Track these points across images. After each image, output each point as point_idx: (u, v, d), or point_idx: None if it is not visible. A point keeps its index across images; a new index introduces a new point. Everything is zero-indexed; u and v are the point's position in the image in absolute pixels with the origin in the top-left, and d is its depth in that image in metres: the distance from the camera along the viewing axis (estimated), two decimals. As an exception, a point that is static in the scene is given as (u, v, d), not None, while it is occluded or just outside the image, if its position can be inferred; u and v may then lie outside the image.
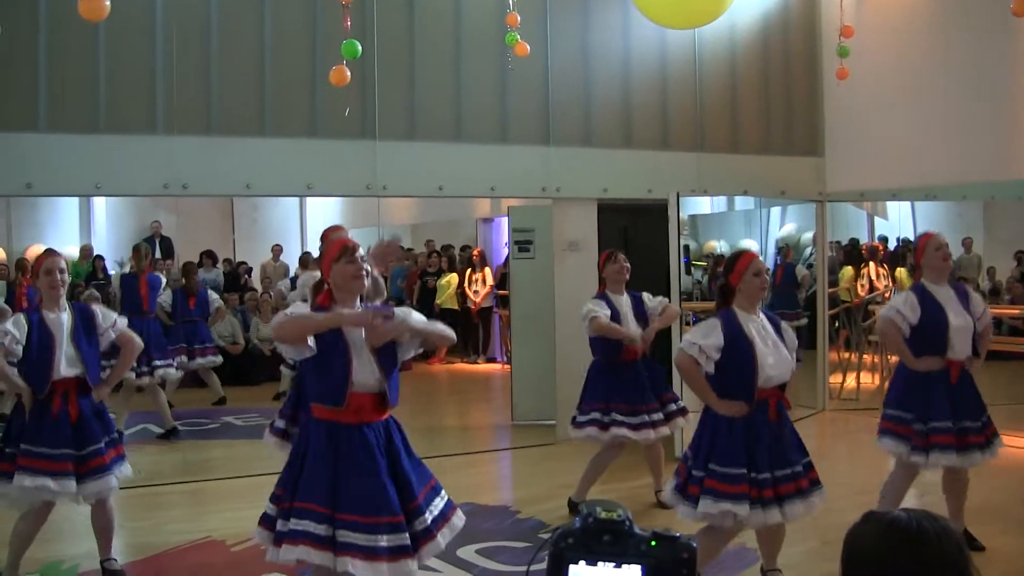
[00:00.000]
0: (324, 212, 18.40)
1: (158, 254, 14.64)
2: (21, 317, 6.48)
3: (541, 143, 11.48)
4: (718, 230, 16.18)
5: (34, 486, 6.27)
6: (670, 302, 8.89)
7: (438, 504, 5.19)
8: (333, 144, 10.55)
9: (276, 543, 5.00)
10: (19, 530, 6.60)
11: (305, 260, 14.33)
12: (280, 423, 7.08)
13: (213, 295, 13.16)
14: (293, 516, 4.92)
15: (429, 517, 5.05)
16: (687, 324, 10.88)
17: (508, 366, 14.21)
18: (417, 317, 5.14)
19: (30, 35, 9.70)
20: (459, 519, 5.30)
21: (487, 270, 18.49)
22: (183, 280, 13.20)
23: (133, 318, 11.36)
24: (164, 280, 12.61)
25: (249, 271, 18.46)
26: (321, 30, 10.49)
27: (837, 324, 15.53)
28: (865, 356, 14.63)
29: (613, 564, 2.20)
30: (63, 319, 6.54)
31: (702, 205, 15.50)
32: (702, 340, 5.93)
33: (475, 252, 18.76)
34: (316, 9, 10.56)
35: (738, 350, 5.90)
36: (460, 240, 20.21)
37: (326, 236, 7.10)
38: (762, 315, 6.14)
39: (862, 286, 17.00)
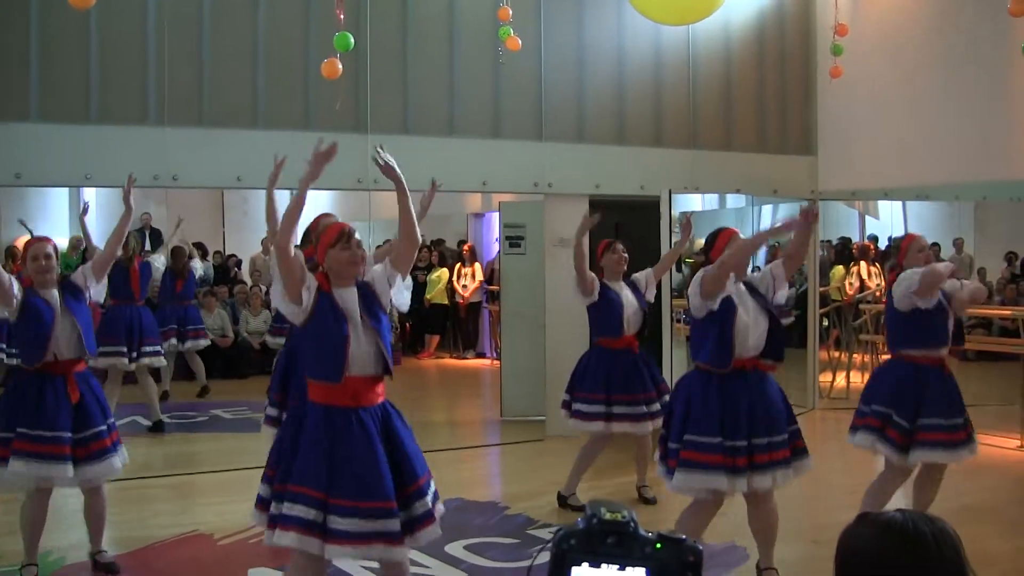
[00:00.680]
0: (315, 205, 18.30)
1: (148, 246, 14.55)
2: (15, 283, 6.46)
3: (534, 138, 11.45)
4: (710, 228, 16.11)
5: (28, 471, 6.22)
6: (657, 287, 8.87)
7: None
8: (325, 137, 10.47)
9: (271, 526, 4.97)
10: (27, 516, 6.57)
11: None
12: (272, 411, 7.07)
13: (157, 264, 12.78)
14: (287, 500, 4.89)
15: (430, 500, 5.04)
16: (678, 322, 10.88)
17: (498, 362, 14.19)
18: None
19: (21, 24, 9.64)
20: (440, 510, 5.27)
21: (476, 265, 18.46)
22: (171, 263, 13.19)
23: (122, 305, 11.39)
24: (160, 268, 12.51)
25: (239, 264, 18.39)
26: (314, 22, 10.44)
27: (827, 323, 15.55)
28: (855, 355, 14.62)
29: (617, 567, 2.16)
30: (55, 295, 6.52)
31: (693, 202, 15.48)
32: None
33: (465, 247, 18.72)
34: (309, 1, 10.52)
35: (725, 317, 5.95)
36: (451, 235, 20.17)
37: (316, 224, 7.05)
38: (741, 285, 6.16)
39: (851, 285, 17.01)
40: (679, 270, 11.02)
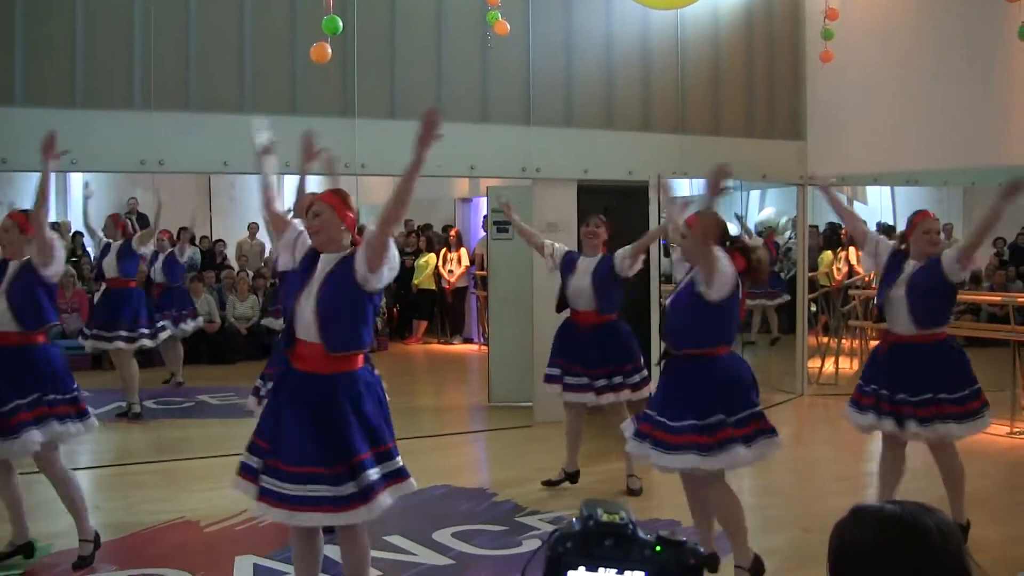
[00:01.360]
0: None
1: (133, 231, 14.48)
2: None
3: (521, 123, 11.40)
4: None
5: None
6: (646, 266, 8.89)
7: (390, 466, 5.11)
8: (312, 122, 10.41)
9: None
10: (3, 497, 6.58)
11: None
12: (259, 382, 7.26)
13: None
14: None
15: (370, 478, 4.96)
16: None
17: (485, 347, 14.15)
18: None
19: (6, 7, 9.55)
20: (409, 487, 5.18)
21: (463, 250, 18.42)
22: (171, 248, 13.18)
23: (109, 286, 11.37)
24: (152, 249, 12.39)
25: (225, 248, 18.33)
26: (301, 5, 10.36)
27: (815, 309, 15.54)
28: (844, 341, 14.61)
29: (615, 570, 2.11)
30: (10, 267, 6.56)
31: (681, 187, 15.46)
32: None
33: (451, 232, 18.68)
34: (296, -16, 10.46)
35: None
36: (438, 220, 20.11)
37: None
38: None
39: (839, 270, 17.04)
40: (667, 255, 10.98)
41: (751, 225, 16.07)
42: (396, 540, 6.94)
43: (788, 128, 12.95)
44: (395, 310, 18.59)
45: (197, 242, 17.33)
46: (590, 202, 11.47)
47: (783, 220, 17.28)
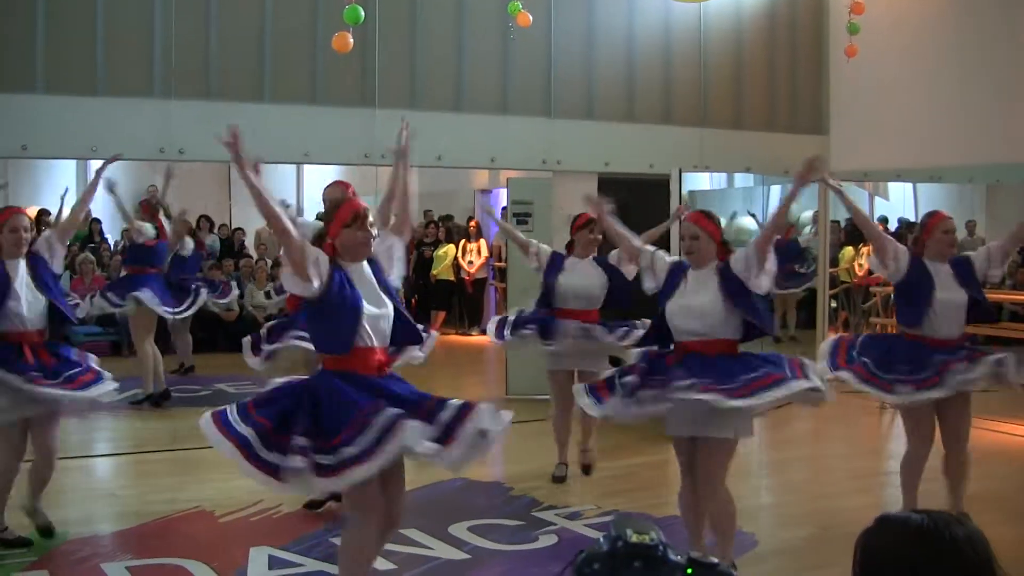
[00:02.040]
0: (322, 179, 18.21)
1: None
2: None
3: (542, 115, 11.37)
4: (717, 207, 16.01)
5: None
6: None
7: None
8: (332, 111, 10.43)
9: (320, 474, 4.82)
10: None
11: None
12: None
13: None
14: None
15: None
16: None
17: (503, 339, 14.09)
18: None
19: (28, -4, 9.58)
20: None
21: (482, 241, 18.37)
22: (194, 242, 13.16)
23: (138, 275, 11.26)
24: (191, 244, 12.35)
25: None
26: (323, -5, 10.36)
27: (836, 305, 15.45)
28: (864, 337, 14.48)
29: (644, 593, 2.05)
30: (20, 265, 6.54)
31: (701, 181, 15.39)
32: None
33: (471, 223, 18.65)
34: (318, -27, 10.44)
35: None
36: (458, 211, 20.08)
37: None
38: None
39: (860, 266, 16.91)
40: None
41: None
42: (412, 534, 6.91)
43: (810, 122, 12.89)
44: (413, 301, 18.57)
45: (216, 230, 17.34)
46: (606, 195, 11.40)
47: (804, 215, 17.19)
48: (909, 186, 17.75)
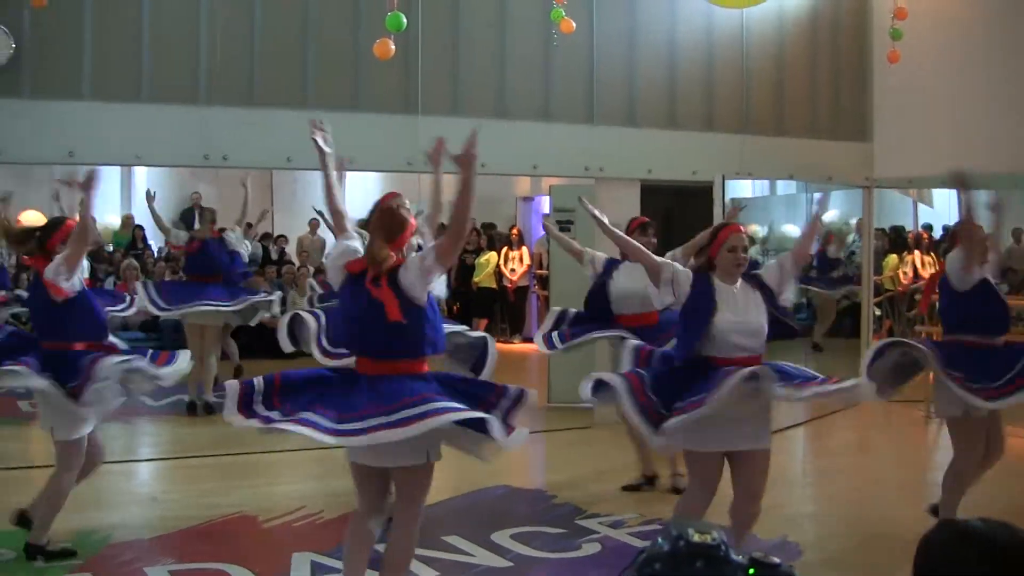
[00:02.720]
0: (364, 187, 18.26)
1: (196, 225, 14.58)
2: None
3: (585, 122, 11.34)
4: (761, 215, 15.97)
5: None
6: None
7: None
8: (375, 118, 10.45)
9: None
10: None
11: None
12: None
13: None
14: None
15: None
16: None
17: (545, 346, 14.05)
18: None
19: (75, 4, 9.65)
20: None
21: (524, 249, 18.35)
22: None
23: (195, 283, 11.22)
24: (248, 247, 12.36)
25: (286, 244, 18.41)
26: (365, 2, 10.38)
27: (880, 313, 15.32)
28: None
29: (706, 594, 2.02)
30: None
31: (743, 189, 15.32)
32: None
33: (513, 231, 18.63)
34: (361, -19, 10.48)
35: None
36: (500, 219, 20.07)
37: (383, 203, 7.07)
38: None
39: (905, 274, 16.76)
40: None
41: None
42: (454, 540, 6.90)
43: (854, 129, 12.80)
44: (455, 308, 18.57)
45: (258, 237, 17.40)
46: (648, 202, 11.38)
47: (848, 222, 17.08)
48: (954, 193, 17.57)
